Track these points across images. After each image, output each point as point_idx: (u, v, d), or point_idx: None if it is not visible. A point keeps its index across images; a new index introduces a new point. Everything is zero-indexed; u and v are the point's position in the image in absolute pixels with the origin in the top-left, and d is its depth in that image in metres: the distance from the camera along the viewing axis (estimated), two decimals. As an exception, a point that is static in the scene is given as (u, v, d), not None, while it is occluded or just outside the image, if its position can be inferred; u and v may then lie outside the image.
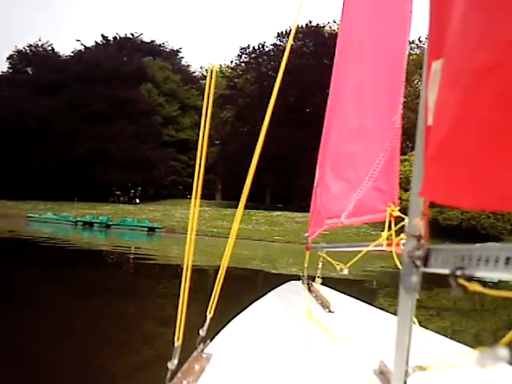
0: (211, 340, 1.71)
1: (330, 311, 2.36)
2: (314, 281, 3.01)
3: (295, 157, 51.91)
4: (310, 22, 60.41)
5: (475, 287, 0.73)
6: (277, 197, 57.53)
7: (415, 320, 1.24)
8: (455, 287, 0.75)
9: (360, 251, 2.04)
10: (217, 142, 64.56)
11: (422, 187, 0.95)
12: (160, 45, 71.34)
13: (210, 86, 1.77)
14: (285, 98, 52.54)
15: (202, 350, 1.57)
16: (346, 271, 2.21)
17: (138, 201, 60.44)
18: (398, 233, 1.51)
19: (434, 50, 0.90)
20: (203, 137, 1.81)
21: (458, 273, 0.75)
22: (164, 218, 47.25)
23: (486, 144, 0.66)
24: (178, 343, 1.42)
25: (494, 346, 0.65)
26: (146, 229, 41.74)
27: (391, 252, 1.43)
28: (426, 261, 0.94)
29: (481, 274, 0.74)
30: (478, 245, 0.78)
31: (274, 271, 15.22)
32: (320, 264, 2.93)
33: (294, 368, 1.53)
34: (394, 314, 1.16)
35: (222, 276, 1.76)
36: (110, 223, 42.64)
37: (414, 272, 0.98)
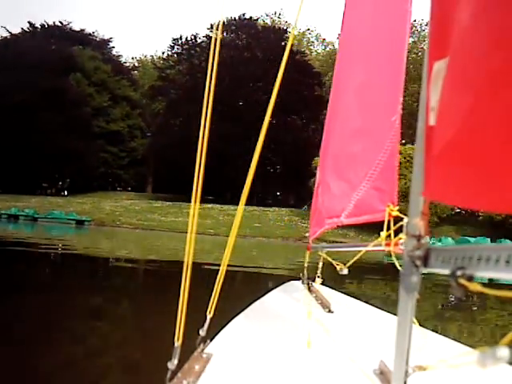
0: (211, 340, 1.71)
1: (329, 311, 2.36)
2: (314, 281, 3.00)
3: (227, 149, 51.92)
4: (244, 15, 60.50)
5: (476, 287, 0.73)
6: (209, 189, 57.39)
7: (415, 320, 1.25)
8: (456, 287, 0.76)
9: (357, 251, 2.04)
10: (148, 134, 63.83)
11: (423, 187, 0.95)
12: (90, 34, 69.72)
13: (213, 61, 1.76)
14: (218, 90, 52.21)
15: (202, 350, 1.58)
16: (345, 271, 2.21)
17: (65, 193, 59.14)
18: (396, 233, 1.51)
19: (436, 50, 0.89)
20: (203, 137, 1.83)
21: (459, 273, 0.76)
22: (93, 210, 46.35)
23: (498, 146, 0.66)
24: (178, 343, 1.42)
25: (495, 346, 0.65)
26: (74, 222, 40.88)
27: (390, 252, 1.41)
28: (425, 261, 0.95)
29: (481, 273, 0.75)
30: (479, 245, 0.78)
31: (205, 265, 15.11)
32: (320, 264, 2.91)
33: (294, 368, 1.53)
34: (394, 313, 1.15)
35: (222, 276, 1.77)
36: (37, 216, 41.53)
37: (414, 272, 0.98)
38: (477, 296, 10.66)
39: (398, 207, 1.76)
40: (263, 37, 58.23)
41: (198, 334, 1.64)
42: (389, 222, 1.62)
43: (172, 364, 1.38)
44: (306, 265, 3.07)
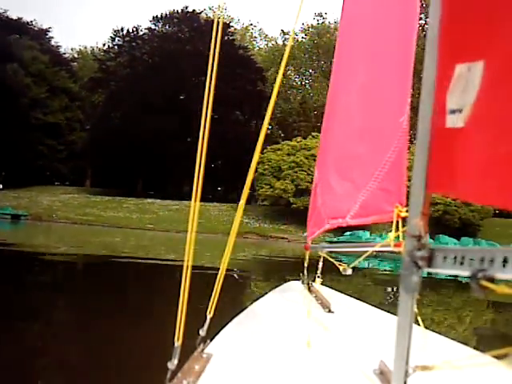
0: (211, 340, 1.71)
1: (329, 311, 2.35)
2: (314, 281, 2.98)
3: (169, 144, 51.44)
4: (186, 8, 60.00)
5: (503, 289, 0.74)
6: (150, 184, 56.80)
7: (420, 321, 1.29)
8: (477, 289, 0.77)
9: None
10: (87, 127, 62.58)
11: (428, 185, 0.97)
12: (28, 23, 67.64)
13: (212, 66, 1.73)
14: (159, 84, 51.81)
15: (202, 350, 1.58)
16: (349, 271, 2.21)
17: (1, 186, 57.34)
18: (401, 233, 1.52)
19: (456, 53, 0.90)
20: (203, 136, 1.82)
21: (480, 275, 0.77)
22: (30, 205, 45.19)
23: None
24: (177, 343, 1.42)
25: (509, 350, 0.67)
26: (10, 216, 39.73)
27: (399, 253, 1.34)
28: (429, 261, 0.95)
29: (505, 276, 0.76)
30: (501, 247, 0.79)
31: (146, 260, 14.86)
32: (320, 264, 2.90)
33: (294, 368, 1.53)
34: (394, 313, 1.14)
35: (222, 276, 1.76)
36: (-30, 210, 40.17)
37: (415, 272, 0.98)
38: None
39: (406, 208, 1.74)
40: (206, 30, 57.84)
41: (198, 334, 1.65)
42: (397, 222, 1.61)
43: (172, 364, 1.38)
44: (305, 265, 3.05)
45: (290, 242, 39.10)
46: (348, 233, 34.06)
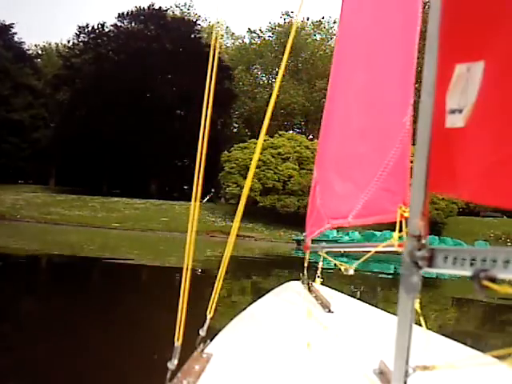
0: (211, 340, 1.72)
1: (329, 311, 2.35)
2: (314, 281, 2.99)
3: (135, 142, 50.99)
4: (153, 5, 59.53)
5: (506, 289, 0.75)
6: (115, 183, 56.21)
7: (422, 321, 1.31)
8: (479, 289, 0.78)
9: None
10: (52, 125, 61.65)
11: (430, 185, 0.98)
12: (-11, 18, 66.41)
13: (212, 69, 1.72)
14: (125, 81, 51.30)
15: (202, 350, 1.58)
16: (351, 271, 2.15)
17: (-38, 185, 56.10)
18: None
19: (456, 53, 0.92)
20: (203, 136, 1.83)
21: (482, 275, 0.77)
22: (-8, 203, 44.29)
23: None
24: (177, 343, 1.43)
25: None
26: (-29, 215, 38.94)
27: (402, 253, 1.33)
28: (430, 261, 0.95)
29: (507, 276, 0.77)
30: (502, 247, 0.80)
31: (111, 260, 14.70)
32: (320, 264, 2.91)
33: (294, 368, 1.53)
34: (394, 314, 1.15)
35: (222, 276, 1.77)
36: None
37: (415, 272, 0.99)
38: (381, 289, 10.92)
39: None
40: (173, 28, 57.54)
41: (198, 334, 1.66)
42: (401, 222, 1.60)
43: (172, 364, 1.38)
44: (305, 265, 3.07)
45: (257, 240, 39.11)
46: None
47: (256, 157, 2.01)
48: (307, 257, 3.11)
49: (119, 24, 60.26)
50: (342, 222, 2.19)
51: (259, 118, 62.16)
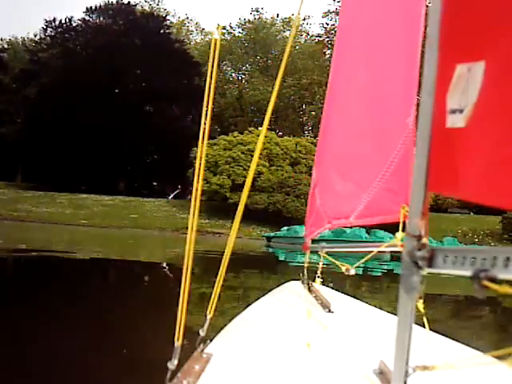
0: (211, 340, 1.72)
1: (329, 311, 2.35)
2: (314, 281, 2.97)
3: (103, 138, 50.47)
4: (121, 0, 58.95)
5: (505, 289, 0.75)
6: (83, 179, 55.54)
7: (425, 321, 1.31)
8: (478, 289, 0.78)
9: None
10: (19, 120, 60.67)
11: (431, 185, 0.99)
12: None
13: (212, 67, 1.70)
14: (93, 76, 50.74)
15: (202, 350, 1.59)
16: (352, 271, 2.18)
17: None
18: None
19: (456, 53, 0.93)
20: (203, 137, 1.83)
21: (482, 275, 0.78)
22: None
23: None
24: (177, 343, 1.44)
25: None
26: None
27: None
28: (430, 261, 0.96)
29: (507, 276, 0.77)
30: (502, 247, 0.81)
31: (79, 256, 14.51)
32: (320, 264, 2.89)
33: (294, 368, 1.54)
34: (394, 314, 1.15)
35: (222, 276, 1.78)
36: None
37: (415, 272, 0.99)
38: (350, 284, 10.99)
39: None
40: (142, 23, 57.08)
41: (198, 334, 1.67)
42: (404, 223, 1.59)
43: (172, 364, 1.40)
44: (305, 265, 3.06)
45: (227, 236, 38.85)
46: (285, 228, 34.30)
47: (256, 157, 2.04)
48: (307, 257, 3.10)
49: (87, 18, 59.59)
50: (343, 223, 2.21)
51: (229, 115, 62.16)
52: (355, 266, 2.19)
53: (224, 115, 62.87)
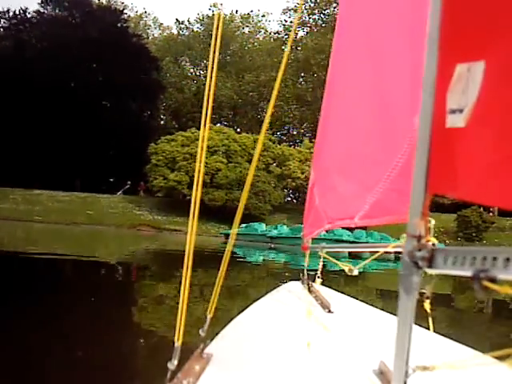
0: (211, 340, 1.73)
1: (329, 311, 2.35)
2: (314, 281, 2.97)
3: (58, 132, 49.55)
4: (78, -9, 57.94)
5: (506, 290, 0.75)
6: (38, 175, 54.46)
7: (431, 324, 1.33)
8: (479, 290, 0.78)
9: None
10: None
11: (431, 186, 0.99)
12: None
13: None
14: (48, 70, 49.76)
15: (202, 350, 1.60)
16: (355, 272, 2.19)
17: None
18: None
19: (456, 53, 0.93)
20: (203, 137, 1.81)
21: (482, 275, 0.78)
22: None
23: None
24: (178, 343, 1.43)
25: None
26: None
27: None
28: (430, 261, 0.96)
29: (507, 276, 0.77)
30: (503, 247, 0.81)
31: (33, 254, 14.17)
32: (320, 264, 2.89)
33: (294, 368, 1.55)
34: (394, 314, 1.14)
35: (222, 276, 1.77)
36: None
37: (415, 272, 1.00)
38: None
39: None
40: (98, 16, 56.18)
41: (199, 334, 1.69)
42: None
43: (172, 364, 1.40)
44: (306, 265, 3.06)
45: (185, 233, 38.67)
46: (244, 225, 34.33)
47: (256, 156, 2.02)
48: (307, 257, 3.11)
49: (42, 10, 58.40)
50: (348, 223, 2.18)
51: (187, 110, 61.84)
52: (358, 266, 2.20)
53: (182, 111, 62.53)
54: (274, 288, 2.94)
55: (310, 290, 2.83)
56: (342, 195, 2.32)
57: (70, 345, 4.78)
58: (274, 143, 47.65)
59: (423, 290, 1.13)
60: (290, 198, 53.69)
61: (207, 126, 1.76)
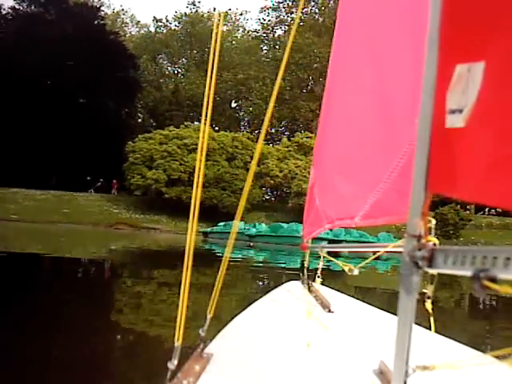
0: (211, 340, 1.74)
1: (329, 311, 2.36)
2: (314, 281, 2.98)
3: (34, 130, 49.01)
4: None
5: (506, 289, 0.75)
6: (13, 173, 53.85)
7: (432, 325, 1.33)
8: (479, 289, 0.78)
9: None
10: None
11: (430, 185, 0.99)
12: None
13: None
14: (24, 67, 49.15)
15: (202, 350, 1.61)
16: (356, 271, 2.19)
17: None
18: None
19: (456, 53, 0.94)
20: (203, 137, 1.79)
21: (482, 275, 0.78)
22: None
23: None
24: (178, 343, 1.43)
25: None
26: None
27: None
28: (430, 261, 0.97)
29: (507, 276, 0.77)
30: (504, 247, 0.80)
31: (8, 253, 14.00)
32: (320, 264, 2.89)
33: (294, 368, 1.55)
34: (394, 313, 1.14)
35: (222, 276, 1.77)
36: None
37: (415, 272, 1.00)
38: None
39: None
40: (75, 13, 55.61)
41: (198, 334, 1.68)
42: None
43: (172, 364, 1.39)
44: (306, 265, 3.06)
45: (162, 232, 38.71)
46: (222, 223, 34.29)
47: (256, 156, 1.89)
48: (307, 257, 3.12)
49: (17, 7, 57.64)
50: (348, 223, 2.19)
51: (165, 109, 61.56)
52: (358, 266, 2.19)
53: (160, 109, 62.23)
54: (274, 288, 2.95)
55: (309, 290, 2.84)
56: (342, 195, 2.32)
57: (41, 345, 4.73)
58: (252, 141, 47.63)
59: (424, 290, 1.13)
60: (268, 197, 53.71)
61: (207, 126, 1.74)
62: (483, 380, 1.37)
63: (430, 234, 1.02)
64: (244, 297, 8.30)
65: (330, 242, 24.59)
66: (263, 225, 35.62)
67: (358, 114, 2.28)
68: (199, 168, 1.71)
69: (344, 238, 28.92)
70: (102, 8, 64.08)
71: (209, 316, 1.76)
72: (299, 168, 43.61)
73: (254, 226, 34.83)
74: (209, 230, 34.70)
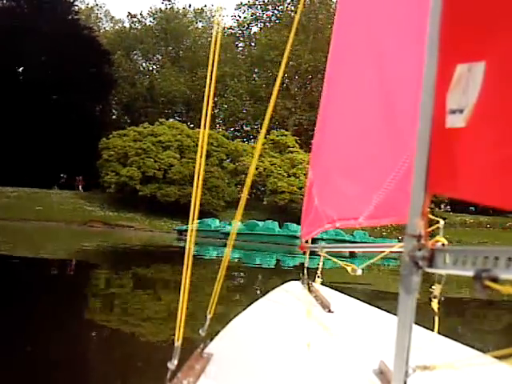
0: (211, 340, 1.74)
1: (329, 311, 2.34)
2: (313, 281, 2.96)
3: (6, 127, 48.39)
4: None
5: (508, 289, 0.75)
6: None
7: (436, 326, 1.35)
8: (480, 289, 0.78)
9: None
10: None
11: (431, 185, 0.99)
12: None
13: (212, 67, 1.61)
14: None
15: (202, 350, 1.61)
16: (359, 272, 2.17)
17: None
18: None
19: (456, 53, 0.94)
20: (203, 137, 1.75)
21: (484, 275, 0.78)
22: None
23: None
24: (178, 343, 1.43)
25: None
26: None
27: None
28: (430, 261, 0.97)
29: (509, 276, 0.77)
30: (504, 247, 0.81)
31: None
32: (320, 264, 2.88)
33: (294, 368, 1.55)
34: (394, 313, 1.13)
35: (222, 276, 1.76)
36: None
37: (415, 272, 1.00)
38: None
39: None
40: (48, 8, 54.93)
41: (199, 334, 1.68)
42: None
43: (172, 364, 1.39)
44: (306, 265, 3.04)
45: (137, 230, 38.52)
46: (197, 220, 34.15)
47: (256, 155, 1.87)
48: (307, 257, 3.10)
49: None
50: (352, 223, 2.17)
51: (140, 105, 61.22)
52: (361, 266, 2.18)
53: (134, 105, 61.89)
54: (274, 288, 2.93)
55: (309, 290, 2.83)
56: (345, 195, 2.31)
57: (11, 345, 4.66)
58: (227, 139, 47.57)
59: (430, 290, 1.13)
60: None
61: (207, 127, 1.71)
62: (483, 380, 1.38)
63: (438, 234, 1.02)
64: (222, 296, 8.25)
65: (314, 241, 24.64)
66: (239, 222, 35.59)
67: (361, 114, 2.26)
68: (199, 169, 1.69)
69: (321, 237, 29.00)
70: (76, 3, 63.30)
71: (209, 316, 1.76)
72: (274, 166, 43.71)
73: (229, 224, 34.80)
74: (183, 227, 34.62)
